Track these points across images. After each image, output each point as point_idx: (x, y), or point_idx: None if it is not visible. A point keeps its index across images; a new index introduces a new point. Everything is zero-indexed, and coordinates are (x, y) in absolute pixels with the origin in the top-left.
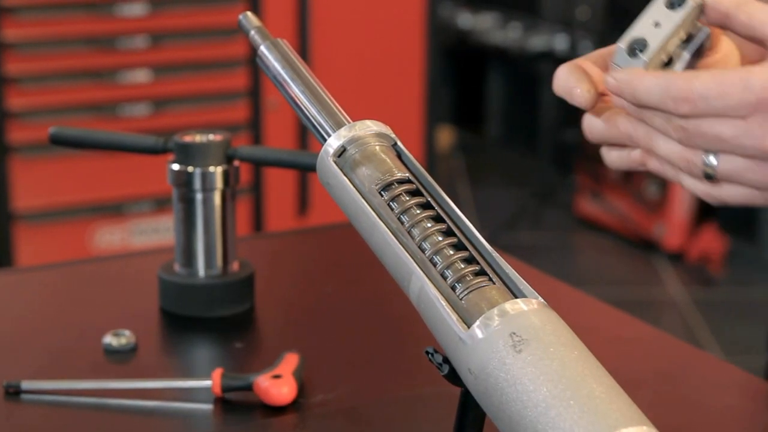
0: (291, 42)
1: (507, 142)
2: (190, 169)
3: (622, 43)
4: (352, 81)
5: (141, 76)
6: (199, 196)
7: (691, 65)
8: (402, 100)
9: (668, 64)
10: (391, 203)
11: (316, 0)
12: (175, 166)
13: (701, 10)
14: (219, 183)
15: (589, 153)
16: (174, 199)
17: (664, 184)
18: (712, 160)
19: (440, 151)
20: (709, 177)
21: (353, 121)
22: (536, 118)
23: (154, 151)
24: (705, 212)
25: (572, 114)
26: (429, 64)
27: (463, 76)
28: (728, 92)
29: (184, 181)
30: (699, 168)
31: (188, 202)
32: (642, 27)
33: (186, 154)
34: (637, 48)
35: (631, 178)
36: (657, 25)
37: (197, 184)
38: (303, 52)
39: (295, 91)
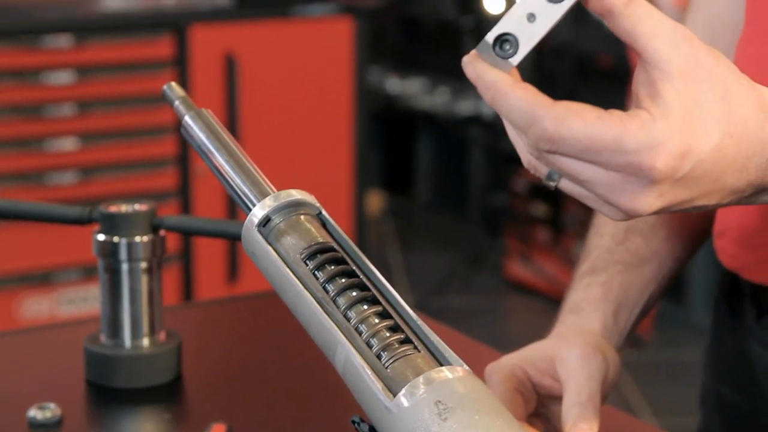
0: (219, 109)
1: (436, 206)
2: (115, 239)
3: (489, 37)
4: (281, 147)
5: (68, 144)
6: (125, 267)
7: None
8: (331, 165)
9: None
10: (316, 272)
11: (244, 67)
12: (101, 237)
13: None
14: (145, 253)
15: (517, 216)
16: (99, 269)
17: None
18: (557, 177)
19: (370, 216)
20: (551, 180)
21: (280, 189)
22: (465, 182)
23: (79, 221)
24: None
25: (501, 178)
26: (358, 129)
27: (392, 141)
28: (597, 149)
29: (109, 252)
30: (541, 174)
31: (114, 273)
32: (515, 19)
33: (111, 224)
34: (504, 49)
35: (559, 240)
36: (532, 18)
37: (123, 254)
38: (231, 119)
39: (220, 160)
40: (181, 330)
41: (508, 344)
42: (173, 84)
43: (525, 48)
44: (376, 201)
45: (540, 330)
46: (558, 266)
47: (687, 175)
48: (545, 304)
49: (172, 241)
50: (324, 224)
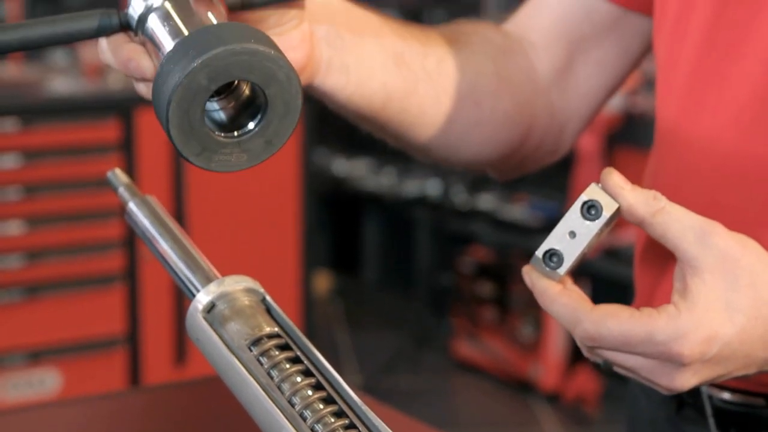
0: (166, 192)
1: (384, 285)
2: None
3: (539, 253)
4: (229, 229)
5: (14, 228)
6: None
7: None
8: (278, 246)
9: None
10: (260, 358)
11: None
12: None
13: (617, 215)
14: None
15: (464, 295)
16: None
17: (538, 326)
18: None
19: (318, 296)
20: (606, 366)
21: (227, 273)
22: (412, 262)
23: None
24: (579, 353)
25: (447, 258)
26: (304, 210)
27: (340, 222)
28: (632, 343)
29: None
30: (598, 361)
31: None
32: (558, 236)
33: None
34: (552, 262)
35: (506, 319)
36: (573, 235)
37: None
38: (178, 202)
39: (164, 247)
40: (127, 416)
41: (456, 424)
42: (117, 170)
43: (569, 260)
44: (323, 281)
45: (488, 409)
46: (505, 345)
47: (716, 356)
48: (493, 384)
49: (119, 324)
50: (268, 309)
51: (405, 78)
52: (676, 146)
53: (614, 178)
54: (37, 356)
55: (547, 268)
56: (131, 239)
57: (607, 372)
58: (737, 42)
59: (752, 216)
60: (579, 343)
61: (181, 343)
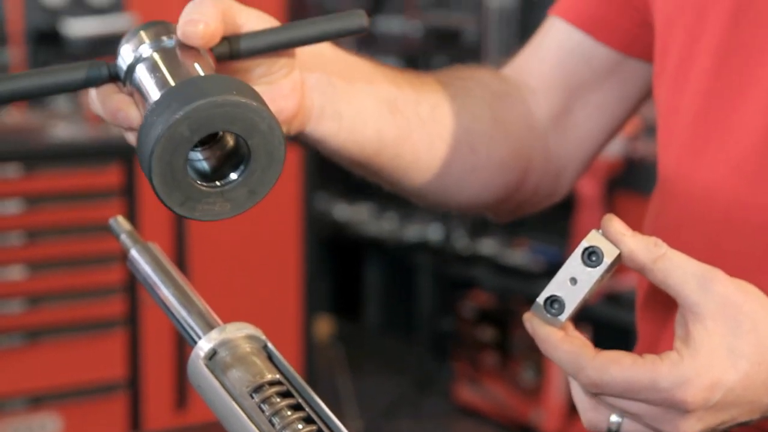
0: (168, 238)
1: (385, 330)
2: None
3: (540, 299)
4: (231, 275)
5: (16, 273)
6: None
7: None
8: (279, 291)
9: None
10: (261, 405)
11: None
12: None
13: (618, 261)
14: None
15: (465, 340)
16: None
17: (539, 371)
18: (617, 418)
19: (320, 341)
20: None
21: (229, 318)
22: (413, 307)
23: None
24: None
25: (448, 302)
26: (306, 255)
27: (341, 267)
28: (635, 389)
29: None
30: (602, 429)
31: None
32: (559, 283)
33: None
34: (554, 308)
35: (507, 364)
36: (574, 281)
37: None
38: (180, 248)
39: (166, 294)
40: None
41: None
42: (119, 218)
43: (570, 307)
44: (325, 326)
45: None
46: (506, 390)
47: (719, 402)
48: (494, 429)
49: (120, 369)
50: (270, 356)
51: (398, 125)
52: (677, 193)
53: (615, 224)
54: (37, 401)
55: (549, 315)
56: (132, 284)
57: None
58: (739, 91)
59: (753, 262)
60: (579, 405)
61: (182, 388)
